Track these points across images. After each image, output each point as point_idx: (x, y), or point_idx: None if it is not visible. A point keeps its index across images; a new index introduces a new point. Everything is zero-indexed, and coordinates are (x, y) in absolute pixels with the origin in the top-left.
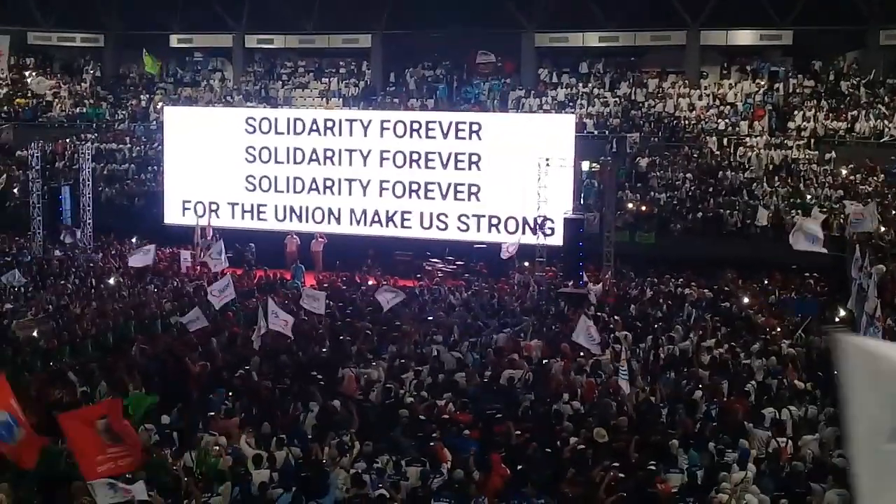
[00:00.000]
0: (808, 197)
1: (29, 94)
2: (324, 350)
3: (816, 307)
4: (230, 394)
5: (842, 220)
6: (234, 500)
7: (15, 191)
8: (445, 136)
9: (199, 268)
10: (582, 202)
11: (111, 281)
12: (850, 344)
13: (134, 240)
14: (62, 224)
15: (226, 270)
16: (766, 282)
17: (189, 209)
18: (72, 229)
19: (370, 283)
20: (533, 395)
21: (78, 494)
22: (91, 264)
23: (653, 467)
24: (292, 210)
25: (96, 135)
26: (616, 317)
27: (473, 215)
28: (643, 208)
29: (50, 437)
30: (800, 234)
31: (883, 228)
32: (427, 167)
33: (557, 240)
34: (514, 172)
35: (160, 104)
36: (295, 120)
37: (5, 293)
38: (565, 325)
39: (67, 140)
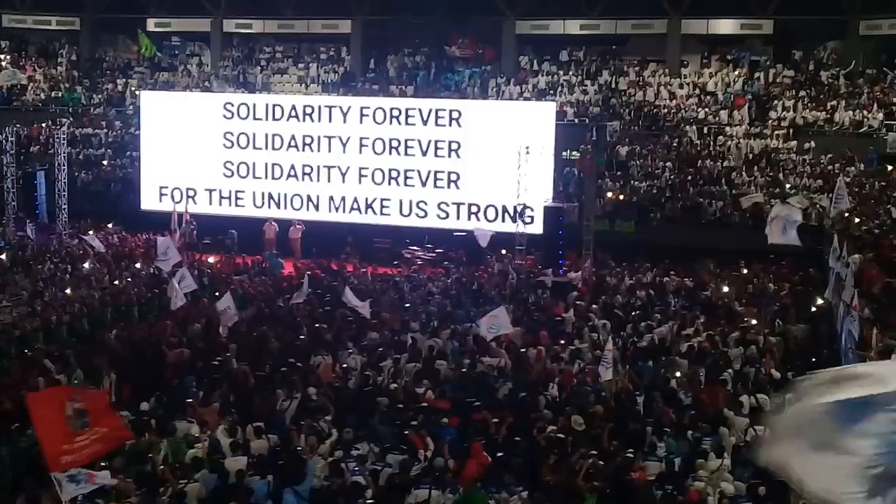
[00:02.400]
0: (788, 186)
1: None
2: (301, 337)
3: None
4: (205, 381)
5: (820, 210)
6: (211, 488)
7: None
8: (425, 123)
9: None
10: (562, 190)
11: (86, 266)
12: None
13: (110, 225)
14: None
15: (202, 256)
16: (745, 271)
17: (166, 195)
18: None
19: (349, 269)
20: (511, 383)
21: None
22: (66, 249)
23: (630, 455)
24: (270, 196)
25: (72, 119)
26: (595, 305)
27: (453, 203)
28: (621, 197)
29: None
30: (776, 224)
31: (857, 220)
32: (406, 154)
33: (537, 228)
34: (493, 160)
35: (137, 89)
36: (273, 106)
37: None
38: (545, 313)
39: (43, 124)
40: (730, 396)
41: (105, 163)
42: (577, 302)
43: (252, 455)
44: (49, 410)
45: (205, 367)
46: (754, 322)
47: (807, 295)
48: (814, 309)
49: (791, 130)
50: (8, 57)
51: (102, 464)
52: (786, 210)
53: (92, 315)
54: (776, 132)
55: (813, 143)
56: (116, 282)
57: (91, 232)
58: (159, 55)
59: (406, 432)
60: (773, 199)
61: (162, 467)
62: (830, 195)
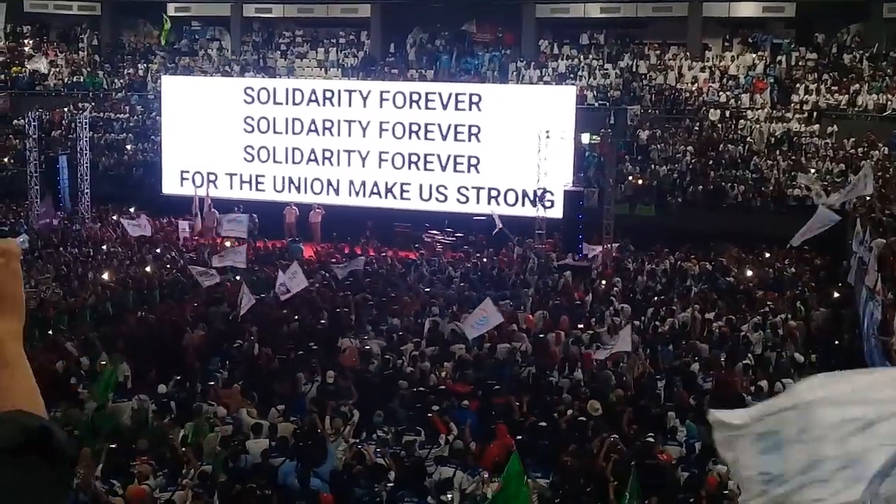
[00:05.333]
0: (812, 171)
1: (26, 65)
2: (322, 321)
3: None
4: (227, 363)
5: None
6: (232, 469)
7: (6, 159)
8: (445, 107)
9: (197, 238)
10: (582, 175)
11: (108, 250)
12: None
13: (132, 209)
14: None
15: (222, 241)
16: (767, 255)
17: (187, 179)
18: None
19: (370, 254)
20: (533, 367)
21: (86, 459)
22: (87, 234)
23: (651, 439)
24: (291, 181)
25: (93, 104)
26: (615, 289)
27: (473, 187)
28: (641, 181)
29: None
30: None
31: (879, 204)
32: (426, 138)
33: (557, 212)
34: (513, 144)
35: (158, 73)
36: (293, 90)
37: None
38: (565, 297)
39: (65, 109)
40: (750, 381)
41: (128, 147)
42: (598, 286)
43: (274, 437)
44: None
45: (226, 350)
46: (775, 306)
47: (829, 279)
48: (836, 293)
49: (814, 114)
50: (30, 42)
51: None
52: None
53: (115, 298)
54: (798, 116)
55: (836, 127)
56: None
57: (116, 217)
58: (173, 43)
59: (430, 415)
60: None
61: (184, 449)
62: (851, 179)
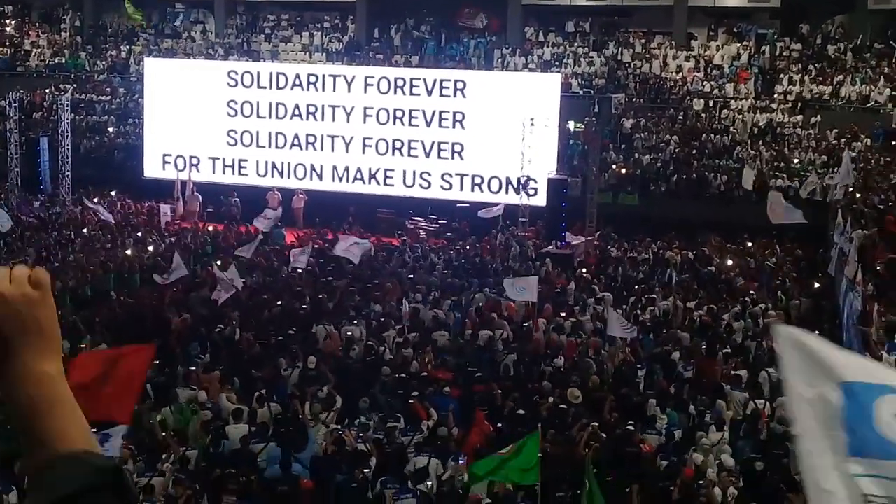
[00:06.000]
0: (795, 161)
1: (7, 44)
2: (303, 306)
3: None
4: (208, 348)
5: (824, 186)
6: (212, 455)
7: None
8: (430, 93)
9: (178, 223)
10: (566, 163)
11: (88, 233)
12: (786, 336)
13: (113, 193)
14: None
15: (204, 225)
16: (749, 245)
17: (169, 163)
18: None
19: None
20: (514, 354)
21: None
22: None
23: (631, 427)
24: (274, 166)
25: (75, 85)
26: (597, 278)
27: (457, 174)
28: (623, 171)
29: None
30: (775, 208)
31: (860, 195)
32: (411, 125)
33: (541, 200)
34: (498, 131)
35: (141, 56)
36: (278, 74)
37: None
38: (547, 285)
39: (46, 90)
40: (728, 370)
41: (109, 130)
42: (580, 274)
43: (254, 422)
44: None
45: (207, 334)
46: (756, 296)
47: (810, 269)
48: (816, 284)
49: (797, 104)
50: (12, 22)
51: (105, 432)
52: (776, 196)
53: (95, 282)
54: (782, 106)
55: (819, 118)
56: (126, 250)
57: (96, 199)
58: (143, 22)
59: (411, 402)
60: (777, 172)
61: (164, 434)
62: (835, 170)
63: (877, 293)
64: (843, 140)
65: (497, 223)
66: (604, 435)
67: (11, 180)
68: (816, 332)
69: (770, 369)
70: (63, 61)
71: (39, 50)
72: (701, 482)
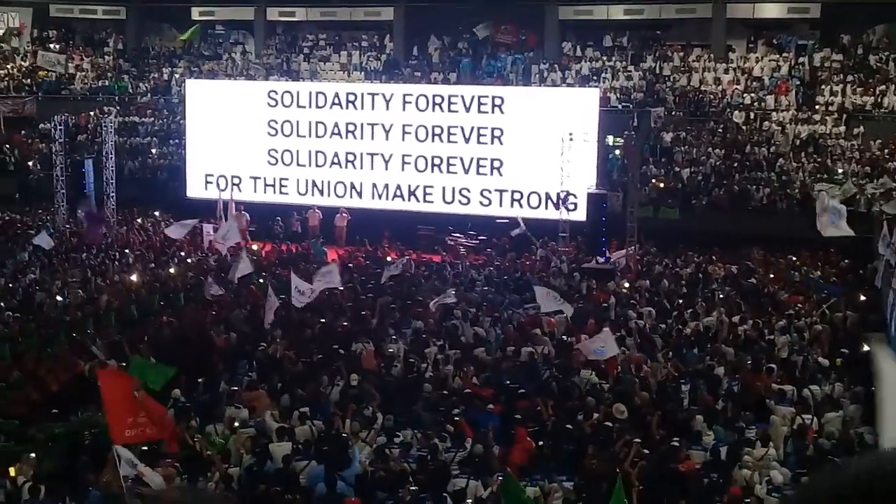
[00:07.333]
0: (840, 172)
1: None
2: (344, 324)
3: (839, 292)
4: (253, 366)
5: (868, 197)
6: (255, 473)
7: (30, 164)
8: (468, 109)
9: (222, 242)
10: (605, 177)
11: (133, 254)
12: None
13: (157, 213)
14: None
15: (250, 244)
16: (793, 258)
17: (211, 183)
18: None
19: (391, 257)
20: (555, 370)
21: (111, 462)
22: (114, 237)
23: (676, 443)
24: (314, 184)
25: (119, 108)
26: (639, 293)
27: (496, 190)
28: (663, 185)
29: (74, 407)
30: (825, 217)
31: None
32: (449, 141)
33: (580, 215)
34: (536, 147)
35: (182, 77)
36: (317, 93)
37: (31, 264)
38: (589, 300)
39: (90, 113)
40: (773, 385)
41: (152, 151)
42: (622, 289)
43: (297, 440)
44: (118, 388)
45: (251, 352)
46: (801, 310)
47: (855, 282)
48: (862, 296)
49: (840, 115)
50: (57, 46)
51: (144, 448)
52: (829, 202)
53: (140, 302)
54: (824, 117)
55: (862, 129)
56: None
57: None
58: (194, 45)
59: (456, 419)
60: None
61: (209, 453)
62: (879, 181)
63: None
64: (886, 150)
65: (538, 238)
66: (647, 451)
67: (57, 202)
68: (863, 345)
69: (814, 387)
70: (106, 84)
71: (83, 73)
72: (748, 501)
